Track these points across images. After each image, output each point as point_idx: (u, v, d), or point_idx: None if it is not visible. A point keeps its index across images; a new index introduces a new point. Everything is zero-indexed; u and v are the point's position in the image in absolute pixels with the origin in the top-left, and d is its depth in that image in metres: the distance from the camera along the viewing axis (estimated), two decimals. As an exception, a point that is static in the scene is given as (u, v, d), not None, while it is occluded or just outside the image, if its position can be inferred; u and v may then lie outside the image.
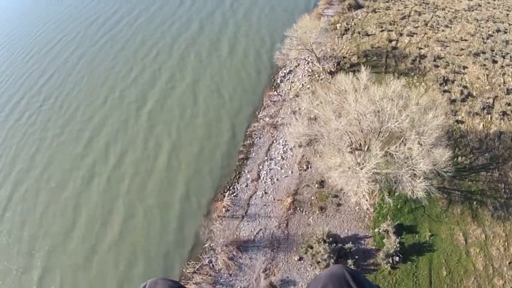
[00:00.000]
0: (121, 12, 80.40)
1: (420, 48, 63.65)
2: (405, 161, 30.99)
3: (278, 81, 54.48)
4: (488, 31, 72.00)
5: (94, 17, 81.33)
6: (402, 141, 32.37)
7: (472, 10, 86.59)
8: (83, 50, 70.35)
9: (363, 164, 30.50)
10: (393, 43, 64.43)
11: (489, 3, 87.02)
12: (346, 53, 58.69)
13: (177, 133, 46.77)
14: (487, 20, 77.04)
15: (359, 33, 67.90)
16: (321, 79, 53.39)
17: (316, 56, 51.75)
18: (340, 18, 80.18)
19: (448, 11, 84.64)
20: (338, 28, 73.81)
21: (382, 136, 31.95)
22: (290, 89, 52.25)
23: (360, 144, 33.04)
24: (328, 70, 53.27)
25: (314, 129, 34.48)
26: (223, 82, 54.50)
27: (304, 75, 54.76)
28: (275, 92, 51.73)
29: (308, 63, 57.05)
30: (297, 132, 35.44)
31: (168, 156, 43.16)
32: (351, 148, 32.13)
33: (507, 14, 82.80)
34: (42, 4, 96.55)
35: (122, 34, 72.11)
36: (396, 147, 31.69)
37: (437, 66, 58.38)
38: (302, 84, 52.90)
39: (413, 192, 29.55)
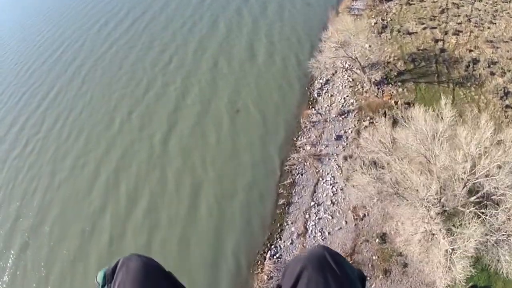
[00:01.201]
0: (124, 12, 72.76)
1: (470, 50, 56.11)
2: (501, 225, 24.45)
3: (315, 95, 47.47)
4: (541, 27, 64.13)
5: (96, 19, 73.73)
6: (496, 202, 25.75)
7: (510, 1, 78.39)
8: (85, 57, 63.05)
9: (452, 239, 23.75)
10: (440, 44, 56.88)
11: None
12: (390, 57, 51.30)
13: (203, 169, 39.61)
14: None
15: (398, 31, 60.37)
16: (365, 91, 46.25)
17: (360, 65, 44.49)
18: (372, 12, 72.24)
19: (487, 3, 76.55)
20: (373, 24, 66.20)
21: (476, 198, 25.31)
22: (330, 105, 45.32)
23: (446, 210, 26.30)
24: (373, 80, 45.99)
25: (386, 181, 27.56)
26: (251, 98, 47.37)
27: (345, 86, 47.76)
28: (313, 110, 44.81)
29: (346, 70, 49.84)
30: (363, 188, 28.45)
31: (192, 202, 36.17)
32: (436, 212, 25.35)
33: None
34: (44, 7, 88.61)
35: (128, 38, 64.72)
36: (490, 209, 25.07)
37: (493, 74, 51.02)
38: (344, 98, 45.95)
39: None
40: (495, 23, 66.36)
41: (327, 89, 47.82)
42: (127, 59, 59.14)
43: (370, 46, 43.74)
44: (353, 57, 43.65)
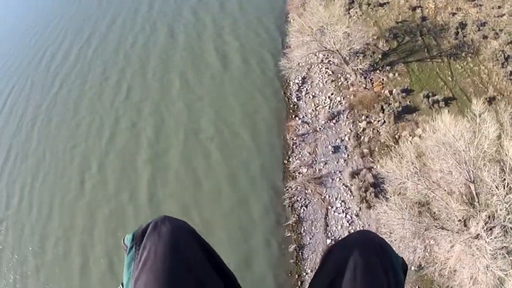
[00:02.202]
0: (69, 39, 63.77)
1: (453, 14, 49.94)
2: None
3: (294, 99, 40.68)
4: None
5: (40, 52, 64.53)
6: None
7: None
8: (35, 105, 54.34)
9: None
10: (418, 11, 50.49)
11: None
12: (368, 37, 44.50)
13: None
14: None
15: (368, 4, 53.67)
16: (351, 84, 39.75)
17: (342, 57, 37.86)
18: None
19: None
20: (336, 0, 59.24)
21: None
22: (315, 109, 38.66)
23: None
24: (356, 69, 39.40)
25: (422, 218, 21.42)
26: (225, 118, 40.26)
27: (326, 82, 41.19)
28: (297, 120, 38.01)
29: (321, 61, 43.11)
30: (396, 223, 22.24)
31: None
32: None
33: None
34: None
35: (78, 71, 56.01)
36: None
37: (485, 37, 45.14)
38: (329, 97, 39.38)
39: None
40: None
41: (307, 90, 41.05)
42: (81, 100, 50.78)
43: (349, 34, 36.75)
44: (334, 50, 36.89)
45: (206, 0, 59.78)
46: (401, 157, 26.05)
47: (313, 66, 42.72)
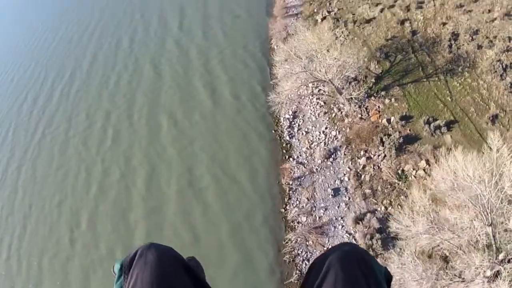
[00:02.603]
0: (50, 80, 61.49)
1: (443, 24, 47.93)
2: None
3: (287, 137, 38.49)
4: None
5: (22, 96, 62.28)
6: None
7: None
8: (19, 155, 51.85)
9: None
10: (407, 25, 48.46)
11: None
12: (358, 59, 42.58)
13: None
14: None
15: (354, 21, 51.59)
16: (346, 115, 37.79)
17: (335, 86, 35.89)
18: (313, 5, 62.79)
19: None
20: (319, 20, 57.06)
21: None
22: (310, 148, 36.55)
23: None
24: (349, 97, 37.45)
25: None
26: (221, 163, 38.12)
27: (318, 114, 39.18)
28: (292, 162, 35.87)
29: (312, 92, 41.20)
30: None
31: None
32: None
33: None
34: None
35: (61, 115, 53.73)
36: None
37: (480, 47, 43.19)
38: (323, 132, 37.27)
39: None
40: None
41: (299, 125, 38.90)
42: (65, 148, 48.53)
43: (342, 62, 34.57)
44: (326, 80, 34.85)
45: (187, 29, 57.86)
46: (412, 206, 24.20)
47: (303, 98, 40.54)
